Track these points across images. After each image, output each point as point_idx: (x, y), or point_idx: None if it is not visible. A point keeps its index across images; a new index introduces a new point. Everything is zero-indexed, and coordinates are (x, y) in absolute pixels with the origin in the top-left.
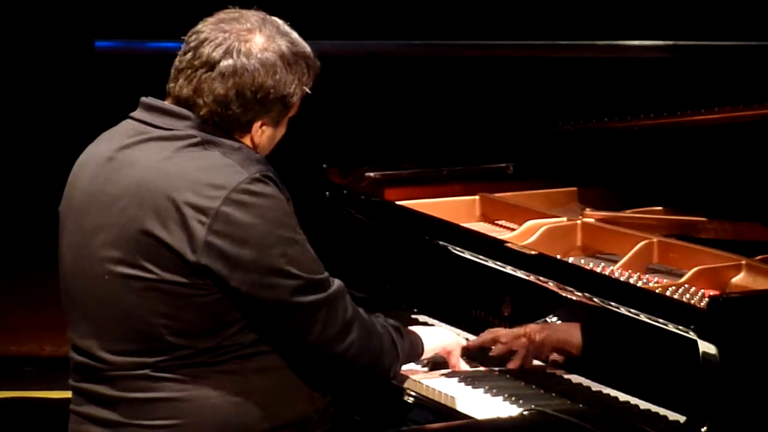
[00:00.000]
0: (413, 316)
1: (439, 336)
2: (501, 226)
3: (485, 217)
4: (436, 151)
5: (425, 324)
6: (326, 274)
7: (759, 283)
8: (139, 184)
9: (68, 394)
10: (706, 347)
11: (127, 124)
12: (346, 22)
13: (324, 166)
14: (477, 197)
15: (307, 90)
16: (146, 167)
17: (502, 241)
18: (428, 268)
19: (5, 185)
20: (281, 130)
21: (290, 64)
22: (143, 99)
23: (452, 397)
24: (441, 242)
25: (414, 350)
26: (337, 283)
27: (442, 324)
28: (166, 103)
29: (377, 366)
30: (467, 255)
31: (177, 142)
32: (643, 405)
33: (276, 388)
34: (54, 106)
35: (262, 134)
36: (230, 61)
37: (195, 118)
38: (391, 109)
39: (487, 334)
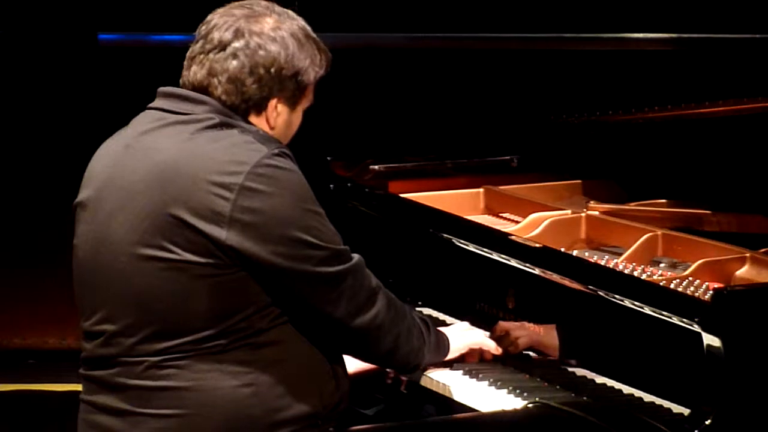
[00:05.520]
0: (417, 309)
1: (464, 336)
2: (505, 218)
3: (489, 210)
4: (440, 144)
5: (430, 317)
6: (347, 246)
7: (763, 276)
8: (159, 166)
9: (71, 387)
10: (710, 340)
11: (144, 114)
12: (350, 15)
13: (328, 158)
14: (481, 190)
15: (321, 72)
16: (165, 149)
17: (507, 234)
18: (432, 261)
19: (8, 179)
20: (297, 117)
21: (301, 43)
22: (161, 88)
23: (449, 387)
24: (445, 235)
25: (441, 345)
26: (356, 255)
27: (451, 318)
28: (184, 90)
29: (405, 344)
30: (471, 248)
31: (195, 124)
32: (647, 398)
33: (285, 382)
34: (58, 99)
35: (278, 115)
36: (242, 41)
37: (212, 102)
38: (396, 102)
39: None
